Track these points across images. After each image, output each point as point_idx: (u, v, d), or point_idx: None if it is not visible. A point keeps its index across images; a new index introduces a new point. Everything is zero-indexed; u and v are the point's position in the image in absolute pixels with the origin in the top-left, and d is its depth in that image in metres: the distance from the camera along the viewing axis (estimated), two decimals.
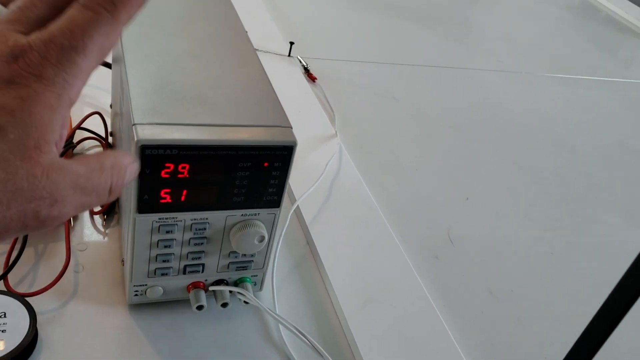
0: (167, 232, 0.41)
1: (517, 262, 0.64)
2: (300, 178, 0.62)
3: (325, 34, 1.07)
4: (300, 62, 0.89)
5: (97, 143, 0.61)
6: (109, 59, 0.63)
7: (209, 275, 0.46)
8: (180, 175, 0.39)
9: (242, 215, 0.43)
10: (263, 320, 0.48)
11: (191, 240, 0.43)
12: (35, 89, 0.24)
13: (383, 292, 0.53)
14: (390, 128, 0.83)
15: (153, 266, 0.43)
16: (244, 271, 0.47)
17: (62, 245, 0.49)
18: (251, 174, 0.41)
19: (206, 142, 0.38)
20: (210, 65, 0.46)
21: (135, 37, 0.47)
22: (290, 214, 0.58)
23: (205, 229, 0.42)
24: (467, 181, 0.75)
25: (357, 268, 0.55)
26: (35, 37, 0.25)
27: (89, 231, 0.53)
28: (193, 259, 0.44)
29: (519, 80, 1.07)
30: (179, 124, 0.38)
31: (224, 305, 0.46)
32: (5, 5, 0.29)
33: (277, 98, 0.44)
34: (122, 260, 0.48)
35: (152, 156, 0.37)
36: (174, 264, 0.44)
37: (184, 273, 0.45)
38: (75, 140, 0.59)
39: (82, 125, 0.60)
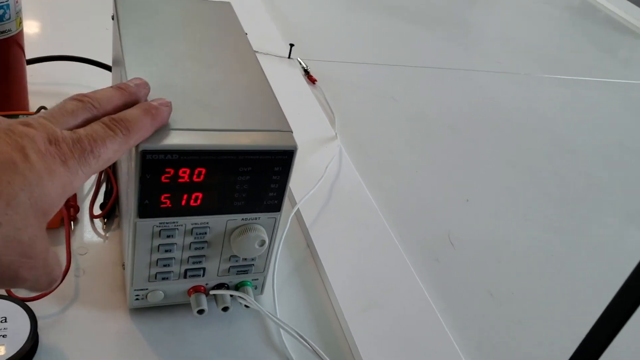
0: (168, 236, 0.41)
1: (517, 264, 0.64)
2: (300, 180, 0.62)
3: (325, 35, 1.07)
4: (300, 64, 0.89)
5: None
6: (108, 62, 0.64)
7: (210, 279, 0.46)
8: (180, 180, 0.39)
9: (242, 219, 0.43)
10: (264, 324, 0.48)
11: (192, 245, 0.43)
12: (60, 170, 0.30)
13: (384, 295, 0.53)
14: (390, 130, 0.83)
15: (154, 270, 0.43)
16: (244, 275, 0.47)
17: (63, 249, 0.49)
18: (252, 178, 0.41)
19: (207, 147, 0.38)
20: (210, 69, 0.46)
21: (135, 39, 0.47)
22: (290, 217, 0.58)
23: (205, 233, 0.42)
24: (466, 182, 0.75)
25: (358, 271, 0.55)
26: (67, 134, 0.31)
27: (90, 235, 0.53)
28: (194, 263, 0.44)
29: (518, 81, 1.07)
30: (179, 129, 0.38)
31: (225, 309, 0.46)
32: None
33: (278, 102, 0.44)
34: (123, 264, 0.48)
35: (153, 161, 0.37)
36: (175, 268, 0.44)
37: (185, 277, 0.45)
38: None
39: None
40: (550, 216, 0.73)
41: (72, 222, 0.52)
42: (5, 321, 0.42)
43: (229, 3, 0.57)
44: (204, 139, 0.38)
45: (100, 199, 0.56)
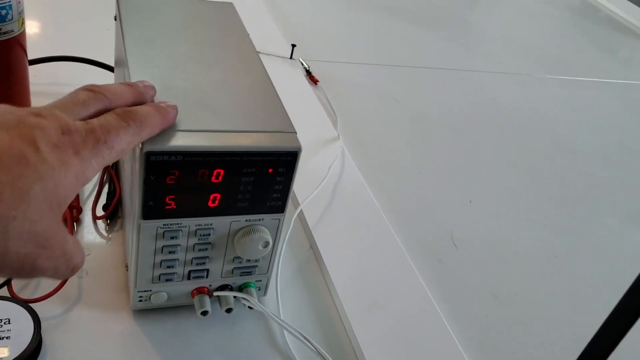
0: (172, 237, 0.41)
1: (520, 265, 0.64)
2: (303, 181, 0.62)
3: (327, 36, 1.07)
4: (302, 64, 0.89)
5: None
6: (111, 62, 0.63)
7: (213, 281, 0.46)
8: (185, 182, 0.39)
9: (246, 220, 0.43)
10: (267, 326, 0.48)
11: (195, 246, 0.43)
12: (72, 161, 0.30)
13: (387, 296, 0.53)
14: (392, 130, 0.83)
15: (157, 272, 0.43)
16: (248, 276, 0.47)
17: None
18: (255, 179, 0.41)
19: (211, 149, 0.38)
20: (213, 70, 0.46)
21: (138, 40, 0.47)
22: (293, 218, 0.58)
23: (209, 234, 0.42)
24: (468, 183, 0.75)
25: (361, 272, 0.55)
26: (80, 124, 0.31)
27: (92, 236, 0.53)
28: (197, 264, 0.44)
29: (519, 82, 1.07)
30: (183, 130, 0.38)
31: (229, 310, 0.46)
32: None
33: (281, 103, 0.44)
34: (126, 266, 0.48)
35: (157, 162, 0.37)
36: (179, 269, 0.44)
37: (189, 278, 0.45)
38: None
39: None
40: (552, 217, 0.73)
41: (74, 224, 0.52)
42: (9, 322, 0.42)
43: (231, 3, 0.57)
44: (208, 140, 0.38)
45: (102, 200, 0.56)
